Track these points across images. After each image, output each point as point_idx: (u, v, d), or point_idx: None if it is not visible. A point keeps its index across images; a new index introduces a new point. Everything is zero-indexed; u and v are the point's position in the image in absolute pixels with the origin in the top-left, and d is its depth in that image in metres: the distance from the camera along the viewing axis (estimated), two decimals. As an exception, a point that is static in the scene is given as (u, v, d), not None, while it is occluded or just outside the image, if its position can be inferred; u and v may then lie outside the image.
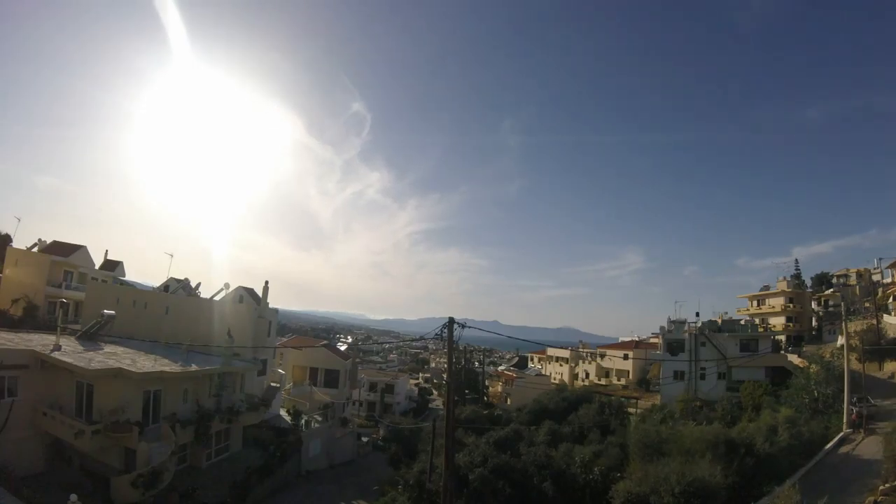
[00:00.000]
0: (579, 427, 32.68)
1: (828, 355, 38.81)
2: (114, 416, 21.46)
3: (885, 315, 49.35)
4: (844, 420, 26.42)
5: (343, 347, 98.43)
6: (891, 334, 45.76)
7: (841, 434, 25.22)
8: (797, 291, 69.46)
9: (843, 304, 37.56)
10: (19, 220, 52.77)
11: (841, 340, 38.65)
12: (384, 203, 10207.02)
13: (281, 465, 32.02)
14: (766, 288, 71.94)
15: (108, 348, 26.83)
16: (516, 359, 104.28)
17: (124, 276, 51.10)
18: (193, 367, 27.14)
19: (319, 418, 41.85)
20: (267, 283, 41.93)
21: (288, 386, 48.26)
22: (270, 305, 41.32)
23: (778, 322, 67.04)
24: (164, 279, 42.16)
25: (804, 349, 53.98)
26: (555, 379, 76.56)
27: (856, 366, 33.04)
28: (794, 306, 67.97)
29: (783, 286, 69.18)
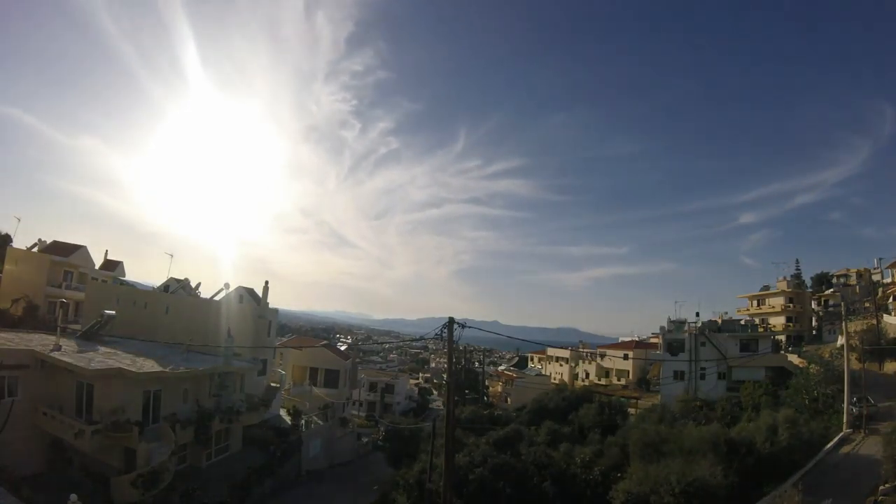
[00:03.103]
0: (579, 427, 32.69)
1: (828, 355, 38.81)
2: (114, 416, 21.44)
3: (885, 315, 49.34)
4: (845, 420, 26.42)
5: (343, 347, 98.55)
6: (891, 334, 45.74)
7: (841, 434, 25.21)
8: (797, 291, 69.41)
9: (843, 304, 37.53)
10: (19, 219, 52.67)
11: (841, 340, 38.62)
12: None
13: (281, 465, 32.01)
14: (766, 288, 71.94)
15: (108, 348, 26.79)
16: (516, 359, 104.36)
17: (124, 276, 51.05)
18: (193, 367, 27.14)
19: (319, 421, 41.84)
20: (267, 283, 42.01)
21: (288, 386, 48.24)
22: (270, 305, 41.35)
23: (778, 322, 66.99)
24: (164, 279, 42.15)
25: (804, 349, 53.94)
26: (555, 379, 76.53)
27: (856, 366, 33.00)
28: (794, 306, 67.93)
29: (783, 286, 69.14)
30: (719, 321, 53.87)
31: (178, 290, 38.36)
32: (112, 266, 51.97)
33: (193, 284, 40.17)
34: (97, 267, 49.25)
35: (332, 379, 51.82)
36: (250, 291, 43.27)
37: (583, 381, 73.21)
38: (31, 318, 37.19)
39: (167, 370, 24.77)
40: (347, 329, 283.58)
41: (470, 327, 19.93)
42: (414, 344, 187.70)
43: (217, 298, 37.69)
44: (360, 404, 68.56)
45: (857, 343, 37.04)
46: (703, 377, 47.37)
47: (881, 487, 16.40)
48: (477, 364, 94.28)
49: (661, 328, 53.46)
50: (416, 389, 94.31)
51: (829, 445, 23.62)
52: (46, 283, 41.97)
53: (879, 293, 55.55)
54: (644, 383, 61.97)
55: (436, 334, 18.95)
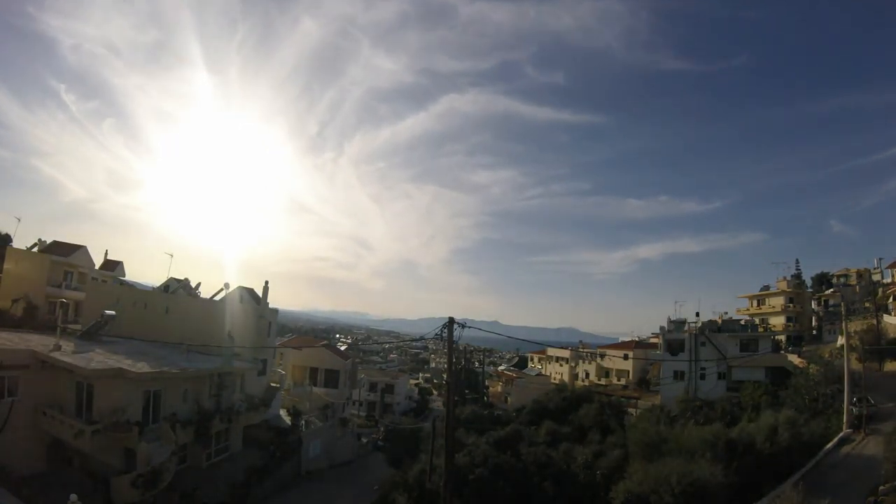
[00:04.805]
0: (579, 427, 32.70)
1: (828, 355, 38.81)
2: (114, 416, 21.44)
3: (885, 315, 49.31)
4: (845, 420, 26.41)
5: (343, 347, 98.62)
6: (891, 334, 45.70)
7: (841, 434, 25.21)
8: (797, 291, 69.45)
9: (843, 304, 37.59)
10: (19, 219, 52.67)
11: (841, 340, 38.65)
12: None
13: (281, 466, 32.03)
14: (766, 288, 71.99)
15: (108, 348, 26.78)
16: (516, 359, 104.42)
17: (124, 276, 51.07)
18: (193, 367, 27.14)
19: (319, 421, 41.84)
20: (267, 283, 41.97)
21: (288, 386, 48.22)
22: (270, 305, 41.34)
23: (778, 322, 67.03)
24: (164, 279, 42.14)
25: (804, 349, 53.98)
26: (555, 379, 76.48)
27: (856, 366, 33.00)
28: (794, 306, 67.97)
29: (783, 286, 69.19)
30: (719, 321, 53.85)
31: (178, 290, 38.34)
32: (112, 266, 51.98)
33: (193, 284, 40.17)
34: (97, 267, 49.24)
35: (332, 379, 51.82)
36: (250, 291, 43.25)
37: (583, 381, 73.16)
38: (31, 318, 37.16)
39: (167, 370, 24.78)
40: (347, 329, 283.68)
41: (470, 327, 19.92)
42: (414, 344, 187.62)
43: (217, 298, 37.70)
44: (360, 404, 68.53)
45: (857, 343, 37.04)
46: (703, 377, 47.35)
47: (881, 488, 16.40)
48: (477, 364, 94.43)
49: (661, 328, 53.46)
50: (416, 389, 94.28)
51: (829, 446, 23.61)
52: (46, 283, 41.91)
53: (879, 293, 55.53)
54: (644, 383, 61.92)
55: (436, 334, 18.96)
